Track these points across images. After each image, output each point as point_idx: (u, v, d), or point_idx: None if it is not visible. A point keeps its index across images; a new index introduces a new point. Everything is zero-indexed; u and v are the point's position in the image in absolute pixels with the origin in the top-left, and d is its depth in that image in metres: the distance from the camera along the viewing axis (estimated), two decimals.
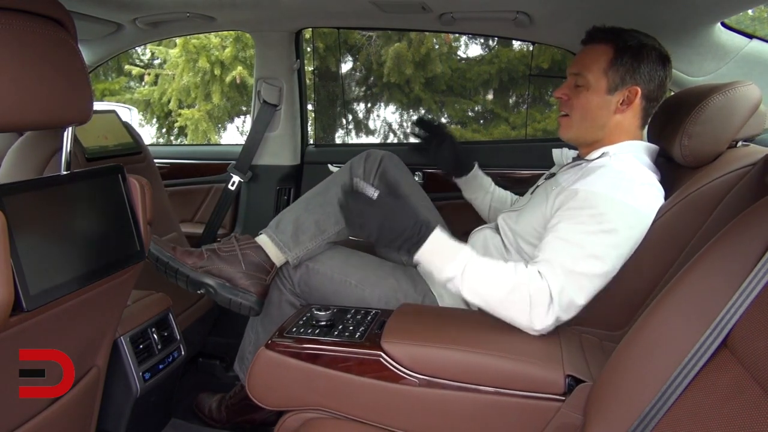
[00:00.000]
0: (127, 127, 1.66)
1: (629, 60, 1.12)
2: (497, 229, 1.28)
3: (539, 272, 0.99)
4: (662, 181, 1.12)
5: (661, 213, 1.03)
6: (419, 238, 1.01)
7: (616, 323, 1.07)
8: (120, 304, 1.06)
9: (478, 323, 1.05)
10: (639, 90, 1.13)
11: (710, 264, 0.72)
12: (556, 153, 1.32)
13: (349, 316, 1.08)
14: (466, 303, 1.22)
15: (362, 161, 1.36)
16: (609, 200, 1.02)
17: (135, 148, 1.62)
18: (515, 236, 1.20)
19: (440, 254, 1.02)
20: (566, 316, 0.98)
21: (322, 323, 1.03)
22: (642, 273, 1.04)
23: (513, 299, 0.97)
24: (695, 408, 0.63)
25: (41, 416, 0.90)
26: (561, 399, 0.87)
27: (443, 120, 4.53)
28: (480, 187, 1.53)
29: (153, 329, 1.24)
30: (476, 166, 1.53)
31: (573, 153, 1.29)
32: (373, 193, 1.01)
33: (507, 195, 1.53)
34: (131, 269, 0.97)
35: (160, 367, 1.24)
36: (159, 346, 1.25)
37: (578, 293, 0.98)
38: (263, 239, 1.28)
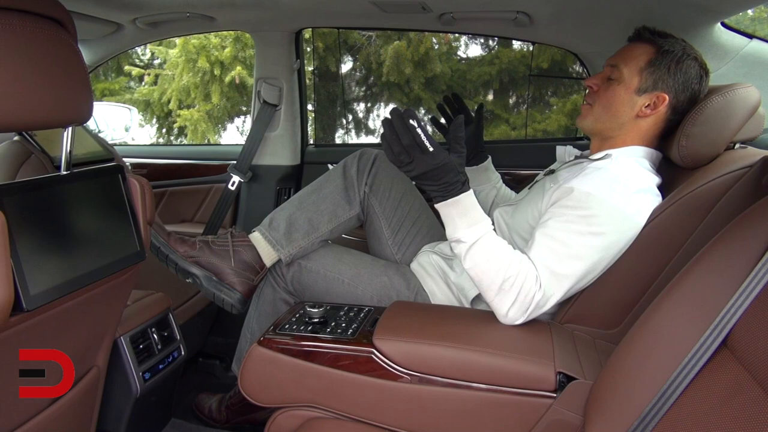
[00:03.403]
0: (96, 137, 1.66)
1: (667, 65, 1.12)
2: (492, 224, 1.28)
3: (536, 277, 1.01)
4: (661, 183, 1.12)
5: (657, 213, 1.04)
6: (452, 192, 1.01)
7: (610, 322, 1.08)
8: (120, 304, 1.06)
9: (470, 320, 1.05)
10: (667, 98, 1.12)
11: (710, 264, 0.73)
12: (560, 150, 1.32)
13: (341, 313, 1.09)
14: (459, 300, 1.23)
15: (356, 160, 1.36)
16: (601, 203, 1.02)
17: (105, 155, 1.62)
18: (510, 230, 1.20)
19: (463, 215, 1.02)
20: (536, 315, 1.02)
21: (315, 320, 1.04)
22: (636, 273, 1.05)
23: (505, 288, 1.00)
24: (695, 408, 0.63)
25: (41, 416, 0.90)
26: (552, 396, 0.88)
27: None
28: (487, 180, 1.53)
29: (153, 329, 1.25)
30: (489, 159, 1.54)
31: (576, 151, 1.29)
32: (429, 146, 0.97)
33: (511, 195, 1.53)
34: (131, 269, 0.97)
35: (160, 367, 1.24)
36: (159, 346, 1.25)
37: (556, 295, 1.02)
38: (256, 236, 1.28)
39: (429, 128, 1.06)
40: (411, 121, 0.96)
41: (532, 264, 1.02)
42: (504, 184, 1.55)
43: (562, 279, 1.01)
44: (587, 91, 1.21)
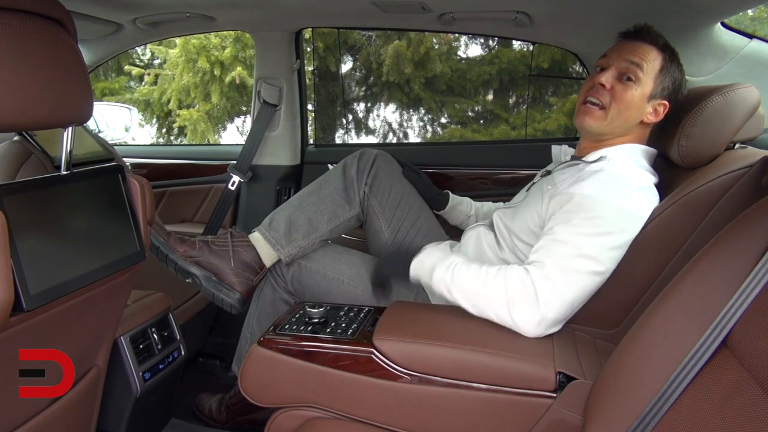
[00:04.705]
0: (96, 137, 1.66)
1: (672, 74, 1.12)
2: (491, 226, 1.28)
3: (525, 269, 1.00)
4: (659, 183, 1.12)
5: (657, 213, 1.04)
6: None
7: (610, 322, 1.08)
8: (120, 304, 1.06)
9: (470, 320, 1.05)
10: (668, 106, 1.13)
11: (710, 264, 0.72)
12: (555, 150, 1.30)
13: (341, 313, 1.09)
14: None
15: (356, 160, 1.36)
16: (604, 204, 1.02)
17: (105, 155, 1.62)
18: (510, 234, 1.20)
19: (432, 259, 1.10)
20: (554, 315, 0.97)
21: (315, 320, 1.04)
22: (636, 272, 1.04)
23: (492, 295, 0.99)
24: (695, 408, 0.63)
25: (41, 416, 0.90)
26: (552, 396, 0.88)
27: (443, 120, 4.54)
28: (458, 215, 1.51)
29: (153, 329, 1.25)
30: (450, 197, 1.51)
31: (571, 150, 1.28)
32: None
33: (491, 208, 1.51)
34: (131, 269, 0.97)
35: (160, 367, 1.24)
36: (159, 346, 1.25)
37: (566, 290, 0.98)
38: (256, 237, 1.28)
39: None
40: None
41: (514, 266, 1.02)
42: (476, 203, 1.52)
43: (572, 275, 0.98)
44: (592, 88, 1.14)
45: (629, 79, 1.11)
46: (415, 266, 1.12)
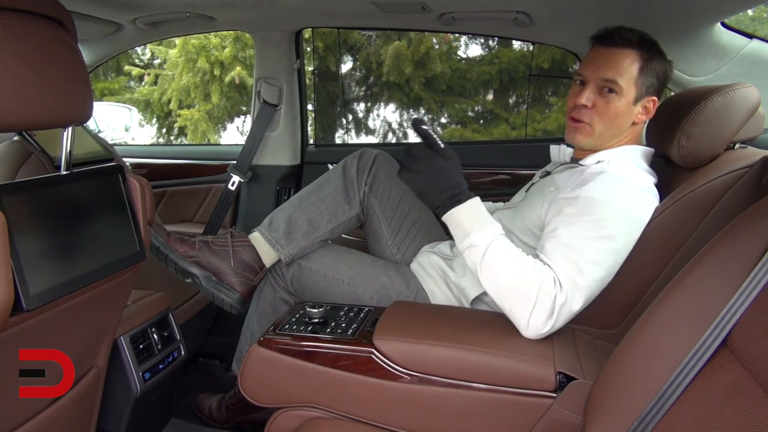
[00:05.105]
0: (96, 137, 1.66)
1: (654, 70, 1.12)
2: None
3: (557, 282, 0.97)
4: (659, 182, 1.12)
5: (657, 213, 1.04)
6: (460, 197, 1.01)
7: (610, 322, 1.08)
8: (120, 304, 1.06)
9: (470, 320, 1.05)
10: (657, 100, 1.14)
11: (710, 264, 0.72)
12: (554, 150, 1.28)
13: (341, 313, 1.09)
14: (459, 300, 1.22)
15: (356, 160, 1.36)
16: (608, 206, 1.02)
17: (105, 155, 1.62)
18: (510, 234, 1.19)
19: (473, 219, 1.01)
20: (561, 324, 0.98)
21: (315, 320, 1.04)
22: (637, 272, 1.05)
23: (523, 292, 0.96)
24: (695, 408, 0.63)
25: (41, 416, 0.90)
26: (552, 396, 0.88)
27: (443, 120, 4.55)
28: None
29: (153, 329, 1.25)
30: None
31: (571, 151, 1.28)
32: (442, 144, 1.03)
33: (491, 206, 1.48)
34: (131, 269, 0.97)
35: (160, 367, 1.24)
36: (159, 346, 1.25)
37: (577, 302, 0.98)
38: (256, 237, 1.28)
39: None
40: (423, 126, 1.02)
41: (548, 267, 0.99)
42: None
43: (582, 286, 0.98)
44: (574, 108, 1.14)
45: (611, 90, 1.11)
46: (451, 216, 1.02)
